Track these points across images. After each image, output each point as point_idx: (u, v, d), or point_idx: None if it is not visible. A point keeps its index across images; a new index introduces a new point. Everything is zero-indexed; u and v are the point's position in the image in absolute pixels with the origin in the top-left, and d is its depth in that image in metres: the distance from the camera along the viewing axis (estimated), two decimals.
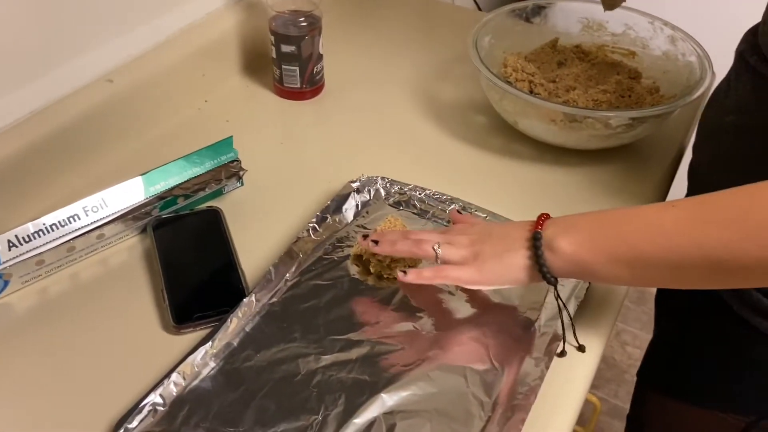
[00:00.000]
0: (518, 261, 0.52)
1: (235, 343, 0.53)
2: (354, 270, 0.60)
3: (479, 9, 1.47)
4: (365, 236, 0.58)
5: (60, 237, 0.57)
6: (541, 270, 0.51)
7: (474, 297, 0.58)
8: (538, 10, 0.84)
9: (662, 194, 0.72)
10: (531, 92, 0.75)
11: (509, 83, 0.73)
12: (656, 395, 0.71)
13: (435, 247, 0.54)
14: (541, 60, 0.79)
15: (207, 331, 0.54)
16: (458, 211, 0.63)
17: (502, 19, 0.81)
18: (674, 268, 0.47)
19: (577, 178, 0.72)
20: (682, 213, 0.46)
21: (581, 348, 0.55)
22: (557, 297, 0.54)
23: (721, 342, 0.64)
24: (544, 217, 0.53)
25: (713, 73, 0.69)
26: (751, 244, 0.42)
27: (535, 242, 0.51)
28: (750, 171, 0.46)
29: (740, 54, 0.59)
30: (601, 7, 0.75)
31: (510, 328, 0.56)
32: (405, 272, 0.54)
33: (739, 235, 0.43)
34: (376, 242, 0.57)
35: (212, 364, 0.52)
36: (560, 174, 0.72)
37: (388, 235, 0.57)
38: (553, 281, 0.51)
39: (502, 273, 0.53)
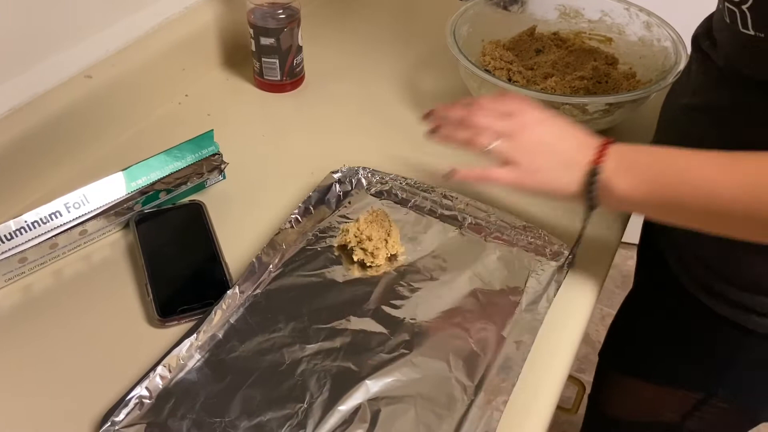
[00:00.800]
0: (568, 186, 0.52)
1: (220, 335, 0.54)
2: (337, 260, 0.60)
3: None
4: (427, 114, 0.58)
5: (42, 234, 0.57)
6: (588, 199, 0.51)
7: (455, 282, 0.59)
8: None
9: None
10: (509, 80, 0.75)
11: (488, 71, 0.74)
12: (616, 374, 0.74)
13: (490, 144, 0.53)
14: (519, 48, 0.79)
15: (192, 323, 0.54)
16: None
17: (480, 8, 0.81)
18: (720, 225, 0.48)
19: None
20: (740, 179, 0.46)
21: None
22: (586, 219, 0.54)
23: (676, 324, 0.67)
24: (607, 144, 0.51)
25: (688, 58, 0.70)
26: None
27: (591, 177, 0.51)
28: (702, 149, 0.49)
29: (695, 39, 0.60)
30: None
31: (491, 312, 0.56)
32: (450, 173, 0.55)
33: None
34: (434, 131, 0.56)
35: (198, 356, 0.52)
36: None
37: (451, 116, 0.56)
38: (593, 209, 0.52)
39: (548, 189, 0.53)
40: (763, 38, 0.47)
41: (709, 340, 0.64)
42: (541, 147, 0.53)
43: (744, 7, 0.47)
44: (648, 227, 0.73)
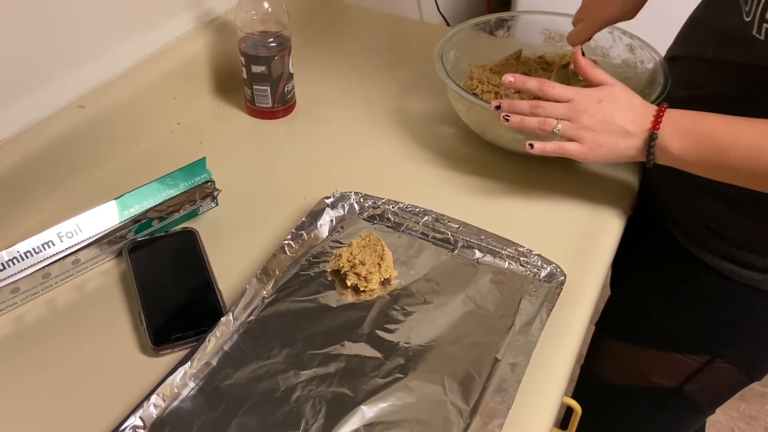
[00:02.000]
0: (630, 152, 0.62)
1: (214, 363, 0.54)
2: (331, 285, 0.61)
3: (447, 24, 1.50)
4: (498, 107, 0.66)
5: (35, 264, 0.56)
6: (648, 160, 0.61)
7: (449, 305, 0.59)
8: (502, 23, 0.86)
9: (627, 190, 0.74)
10: None
11: (475, 95, 0.75)
12: (616, 342, 0.77)
13: (556, 128, 0.62)
14: (506, 71, 0.80)
15: (185, 351, 0.54)
16: (582, 53, 0.68)
17: (466, 33, 0.83)
18: (761, 184, 0.57)
19: (545, 182, 0.73)
20: None
21: None
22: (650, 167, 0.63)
23: (680, 288, 0.72)
24: (662, 111, 0.60)
25: (669, 78, 0.71)
26: None
27: (650, 142, 0.60)
28: None
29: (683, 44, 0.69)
30: (561, 19, 0.78)
31: (485, 335, 0.57)
32: (532, 145, 0.64)
33: None
34: (507, 118, 0.65)
35: (192, 384, 0.52)
36: (529, 179, 0.74)
37: (517, 107, 0.65)
38: (652, 166, 0.62)
39: (613, 158, 0.63)
40: None
41: (715, 302, 0.68)
42: (602, 125, 0.62)
43: None
44: (644, 197, 0.75)
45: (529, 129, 0.65)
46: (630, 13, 0.73)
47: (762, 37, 0.55)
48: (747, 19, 0.56)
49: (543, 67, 0.82)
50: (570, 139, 0.63)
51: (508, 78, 0.66)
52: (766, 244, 0.65)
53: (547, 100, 0.64)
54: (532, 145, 0.64)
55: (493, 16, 0.85)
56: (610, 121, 0.62)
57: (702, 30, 0.68)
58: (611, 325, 0.78)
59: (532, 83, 0.65)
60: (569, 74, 0.78)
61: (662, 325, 0.75)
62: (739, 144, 0.56)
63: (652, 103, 0.65)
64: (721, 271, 0.67)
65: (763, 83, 0.58)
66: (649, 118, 0.61)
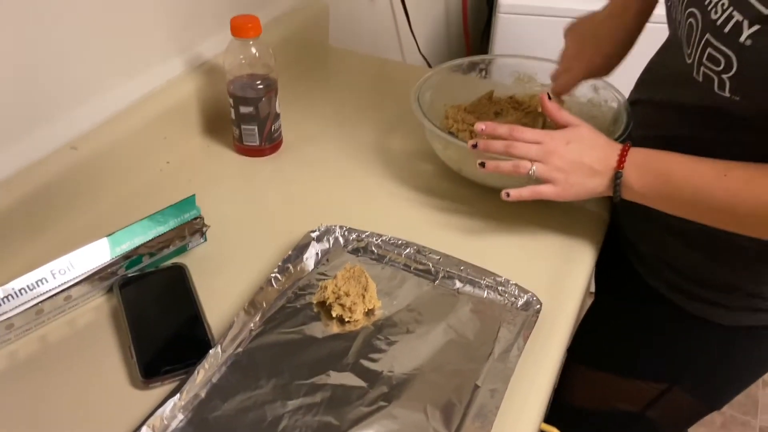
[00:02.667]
0: (599, 189, 0.66)
1: (203, 394, 0.55)
2: (316, 316, 0.63)
3: (429, 66, 1.55)
4: (474, 146, 0.69)
5: (29, 300, 0.58)
6: (614, 196, 0.65)
7: (431, 335, 0.61)
8: (474, 66, 0.91)
9: (599, 221, 0.77)
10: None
11: (452, 134, 0.78)
12: (584, 368, 0.81)
13: (531, 171, 0.66)
14: (480, 111, 0.84)
15: (175, 383, 0.56)
16: (548, 95, 0.72)
17: (441, 75, 0.87)
18: (714, 220, 0.61)
19: (521, 215, 0.76)
20: (732, 185, 0.58)
21: None
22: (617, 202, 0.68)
23: (639, 318, 0.76)
24: (626, 150, 0.64)
25: (631, 116, 0.76)
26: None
27: (616, 180, 0.64)
28: None
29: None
30: (530, 61, 0.83)
31: (466, 362, 0.59)
32: (508, 194, 0.68)
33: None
34: (482, 164, 0.68)
35: (180, 416, 0.53)
36: (505, 213, 0.77)
37: (492, 147, 0.68)
38: (618, 202, 0.66)
39: (583, 194, 0.67)
40: (738, 101, 0.55)
41: (675, 333, 0.72)
42: (572, 165, 0.66)
43: (725, 76, 0.54)
44: (611, 231, 0.78)
45: (505, 173, 0.68)
46: (611, 66, 0.77)
47: (700, 79, 0.58)
48: (688, 62, 0.60)
49: (514, 106, 0.86)
50: (544, 181, 0.66)
51: (480, 126, 0.69)
52: (719, 280, 0.68)
53: (517, 157, 0.67)
54: (508, 194, 0.68)
55: (466, 60, 0.90)
56: (578, 161, 0.65)
57: (655, 75, 0.72)
58: (578, 350, 0.81)
59: (502, 129, 0.68)
60: (539, 115, 0.82)
61: (624, 352, 0.78)
62: (692, 182, 0.60)
63: (617, 140, 0.69)
64: (678, 303, 0.71)
65: (709, 123, 0.62)
66: (614, 156, 0.64)
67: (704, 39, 0.56)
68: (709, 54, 0.55)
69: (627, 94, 0.80)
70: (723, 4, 0.54)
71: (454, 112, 0.83)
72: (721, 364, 0.73)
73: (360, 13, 1.35)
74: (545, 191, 0.66)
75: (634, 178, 0.63)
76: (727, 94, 0.56)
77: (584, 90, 0.85)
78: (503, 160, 0.68)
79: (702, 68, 0.57)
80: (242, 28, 0.79)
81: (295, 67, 1.04)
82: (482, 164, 0.69)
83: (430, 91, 0.84)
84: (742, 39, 0.52)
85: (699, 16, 0.57)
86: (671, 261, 0.71)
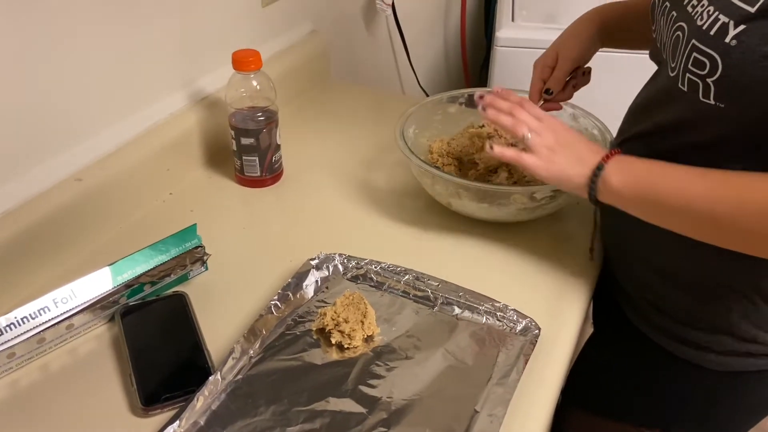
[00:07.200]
0: (578, 179, 0.64)
1: (202, 422, 0.55)
2: (316, 343, 0.63)
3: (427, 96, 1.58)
4: (481, 96, 0.71)
5: (31, 329, 0.59)
6: (591, 189, 0.63)
7: (430, 360, 0.61)
8: (454, 99, 0.92)
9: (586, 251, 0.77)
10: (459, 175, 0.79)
11: (438, 168, 0.78)
12: (578, 411, 0.79)
13: (526, 135, 0.66)
14: (463, 143, 0.84)
15: (174, 411, 0.56)
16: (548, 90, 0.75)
17: (422, 110, 0.88)
18: (692, 230, 0.59)
19: (511, 246, 0.77)
20: (708, 184, 0.57)
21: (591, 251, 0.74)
22: (595, 213, 0.71)
23: (630, 362, 0.75)
24: (614, 152, 0.64)
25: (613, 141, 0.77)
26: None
27: (596, 171, 0.63)
28: None
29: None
30: (525, 94, 0.84)
31: (465, 387, 0.59)
32: (492, 147, 0.68)
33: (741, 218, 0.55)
34: (484, 109, 0.70)
35: None
36: (496, 245, 0.77)
37: (497, 104, 0.70)
38: (594, 202, 0.64)
39: (562, 179, 0.66)
40: (722, 108, 0.55)
41: (663, 377, 0.70)
42: (563, 147, 0.66)
43: (710, 80, 0.55)
44: (603, 276, 0.78)
45: (502, 125, 0.69)
46: (592, 52, 0.80)
47: (685, 89, 0.58)
48: (672, 75, 0.60)
49: (499, 136, 0.87)
50: (532, 151, 0.66)
51: (496, 88, 0.73)
52: (706, 322, 0.67)
53: (518, 119, 0.69)
54: (492, 147, 0.68)
55: (445, 95, 0.92)
56: (569, 145, 0.66)
57: (636, 111, 0.72)
58: (572, 393, 0.79)
59: (513, 97, 0.71)
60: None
61: (616, 397, 0.76)
62: (670, 179, 0.59)
63: None
64: (666, 347, 0.70)
65: (690, 137, 0.62)
66: (601, 154, 0.64)
67: (690, 44, 0.56)
68: (695, 58, 0.56)
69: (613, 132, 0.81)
70: (709, 11, 0.55)
71: (438, 146, 0.83)
72: (714, 409, 0.72)
73: (360, 47, 1.38)
74: (528, 160, 0.66)
75: (614, 174, 0.62)
76: (711, 101, 0.56)
77: (564, 119, 0.86)
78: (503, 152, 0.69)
79: (687, 75, 0.57)
80: (243, 62, 0.81)
81: (296, 100, 1.06)
82: (484, 108, 0.70)
83: (413, 126, 0.85)
84: (727, 39, 0.53)
85: (686, 26, 0.58)
86: (655, 300, 0.70)
